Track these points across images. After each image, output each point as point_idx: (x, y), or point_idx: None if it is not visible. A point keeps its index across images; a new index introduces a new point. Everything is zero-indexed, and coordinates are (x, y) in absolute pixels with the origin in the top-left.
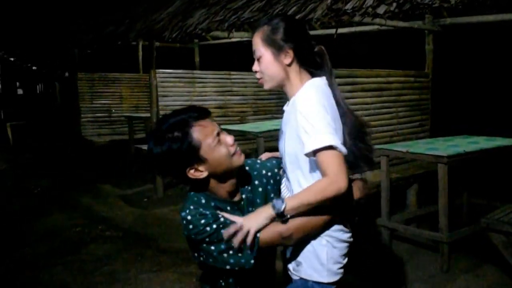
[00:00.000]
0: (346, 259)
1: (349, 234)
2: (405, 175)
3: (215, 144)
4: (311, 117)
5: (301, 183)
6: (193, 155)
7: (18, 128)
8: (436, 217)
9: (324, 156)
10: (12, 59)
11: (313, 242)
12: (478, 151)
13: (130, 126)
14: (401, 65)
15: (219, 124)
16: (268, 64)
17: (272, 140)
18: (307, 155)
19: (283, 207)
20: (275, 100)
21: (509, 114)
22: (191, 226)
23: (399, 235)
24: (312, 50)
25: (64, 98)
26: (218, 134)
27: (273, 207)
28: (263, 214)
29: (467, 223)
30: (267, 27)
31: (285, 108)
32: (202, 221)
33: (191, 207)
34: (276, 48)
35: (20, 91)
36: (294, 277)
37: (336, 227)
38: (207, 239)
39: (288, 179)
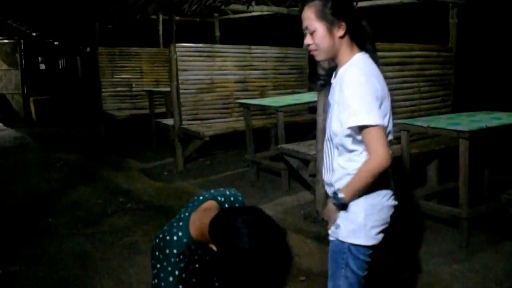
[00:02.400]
0: (386, 225)
1: (390, 201)
2: (426, 151)
3: None
4: (356, 92)
5: (339, 159)
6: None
7: (41, 102)
8: (456, 193)
9: (367, 133)
10: (34, 34)
11: (352, 206)
12: (501, 127)
13: (151, 101)
14: (424, 39)
15: (240, 98)
16: (323, 37)
17: (292, 114)
18: (349, 128)
19: (342, 201)
20: (296, 75)
21: None
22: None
23: (419, 211)
24: (361, 24)
25: (86, 73)
26: None
27: (334, 198)
28: (329, 206)
29: (487, 199)
30: (319, 2)
31: (333, 80)
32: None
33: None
34: (330, 21)
35: (42, 66)
36: (331, 239)
37: (377, 192)
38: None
39: (331, 150)
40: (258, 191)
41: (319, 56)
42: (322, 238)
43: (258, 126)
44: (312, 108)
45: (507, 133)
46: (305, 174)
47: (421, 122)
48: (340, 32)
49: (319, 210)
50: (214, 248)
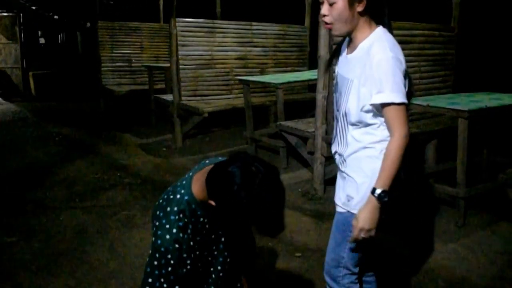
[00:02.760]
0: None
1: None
2: (425, 131)
3: None
4: (385, 68)
5: (354, 132)
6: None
7: (40, 77)
8: (454, 174)
9: (391, 111)
10: (34, 7)
11: (368, 178)
12: (500, 107)
13: (150, 76)
14: (426, 18)
15: (239, 75)
16: (342, 10)
17: (292, 92)
18: (372, 105)
19: (383, 192)
20: (296, 53)
21: None
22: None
23: (417, 190)
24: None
25: (86, 48)
26: None
27: (378, 198)
28: (371, 208)
29: (485, 180)
30: None
31: (349, 55)
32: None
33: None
34: None
35: (42, 41)
36: (341, 210)
37: (379, 162)
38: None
39: (345, 124)
40: None
41: (336, 31)
42: (319, 216)
43: (257, 104)
44: (312, 86)
45: (507, 114)
46: (303, 152)
47: (421, 101)
48: (360, 7)
49: (316, 188)
50: (213, 203)
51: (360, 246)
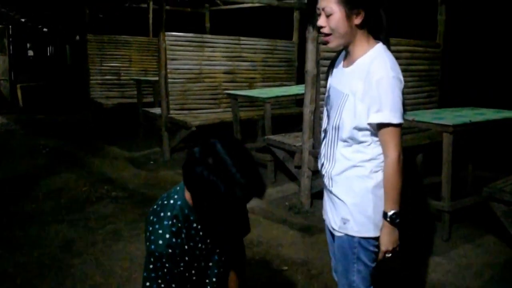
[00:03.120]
0: None
1: None
2: (411, 145)
3: None
4: (386, 88)
5: (343, 150)
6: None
7: (28, 89)
8: (440, 188)
9: (388, 131)
10: (23, 20)
11: (359, 198)
12: (484, 122)
13: (139, 90)
14: (413, 34)
15: (228, 89)
16: (339, 22)
17: (279, 107)
18: (369, 124)
19: (394, 214)
20: (284, 68)
21: None
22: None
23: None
24: (379, 13)
25: (75, 60)
26: None
27: (390, 221)
28: (389, 230)
29: (470, 194)
30: None
31: (345, 68)
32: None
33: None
34: (349, 7)
35: (30, 53)
36: (339, 234)
37: (380, 182)
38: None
39: (334, 139)
40: None
41: (332, 43)
42: (306, 229)
43: (245, 118)
44: (299, 100)
45: (490, 129)
46: (290, 166)
47: (406, 116)
48: (358, 19)
49: (303, 201)
50: (188, 196)
51: (368, 264)
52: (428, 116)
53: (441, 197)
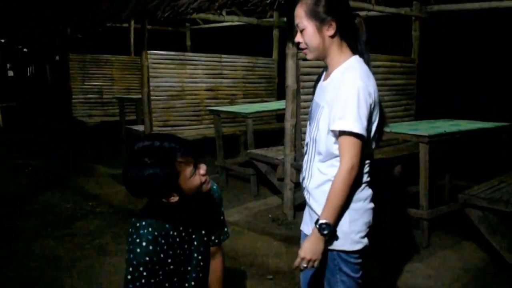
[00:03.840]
0: (369, 228)
1: (371, 203)
2: (389, 157)
3: (191, 175)
4: (351, 96)
5: (320, 164)
6: (172, 184)
7: (8, 109)
8: (418, 197)
9: (347, 139)
10: (2, 40)
11: None
12: (458, 132)
13: (121, 108)
14: (389, 50)
15: (210, 106)
16: (312, 36)
17: (261, 122)
18: (332, 131)
19: (325, 224)
20: (265, 84)
21: (492, 99)
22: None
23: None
24: (353, 22)
25: (55, 80)
26: (194, 166)
27: (320, 230)
28: (313, 238)
29: (448, 202)
30: (310, 0)
31: (323, 82)
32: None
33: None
34: (320, 20)
35: (10, 73)
36: None
37: (359, 196)
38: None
39: (312, 154)
40: (228, 196)
41: (309, 55)
42: (289, 240)
43: (227, 133)
44: (280, 116)
45: (465, 139)
46: (273, 178)
47: (384, 128)
48: (330, 31)
49: (286, 213)
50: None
51: (351, 275)
52: (405, 127)
53: (419, 206)
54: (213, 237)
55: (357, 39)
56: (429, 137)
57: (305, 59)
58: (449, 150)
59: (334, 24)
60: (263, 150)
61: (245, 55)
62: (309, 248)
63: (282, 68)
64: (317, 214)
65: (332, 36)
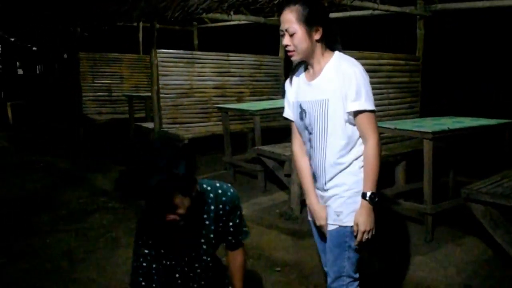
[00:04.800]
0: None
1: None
2: (394, 153)
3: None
4: (359, 79)
5: (332, 157)
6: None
7: (18, 107)
8: (422, 193)
9: (366, 118)
10: (12, 39)
11: (350, 192)
12: (462, 129)
13: (130, 105)
14: (394, 49)
15: (218, 104)
16: (301, 39)
17: (268, 120)
18: (349, 113)
19: (373, 194)
20: (271, 82)
21: (496, 96)
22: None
23: (388, 209)
24: (333, 28)
25: (64, 78)
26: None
27: (370, 200)
28: (367, 211)
29: (451, 198)
30: (300, 7)
31: (312, 81)
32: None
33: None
34: (309, 25)
35: (20, 71)
36: (332, 228)
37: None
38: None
39: (322, 149)
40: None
41: (296, 57)
42: (296, 234)
43: (235, 131)
44: None
45: (469, 136)
46: (280, 174)
47: (388, 124)
48: (317, 35)
49: (293, 208)
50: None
51: (358, 251)
52: (409, 124)
53: (423, 201)
54: (229, 237)
55: (335, 41)
56: (433, 134)
57: None
58: (453, 147)
59: (320, 29)
60: (270, 147)
61: (252, 53)
62: (366, 220)
63: (288, 66)
64: (337, 194)
65: (318, 40)
